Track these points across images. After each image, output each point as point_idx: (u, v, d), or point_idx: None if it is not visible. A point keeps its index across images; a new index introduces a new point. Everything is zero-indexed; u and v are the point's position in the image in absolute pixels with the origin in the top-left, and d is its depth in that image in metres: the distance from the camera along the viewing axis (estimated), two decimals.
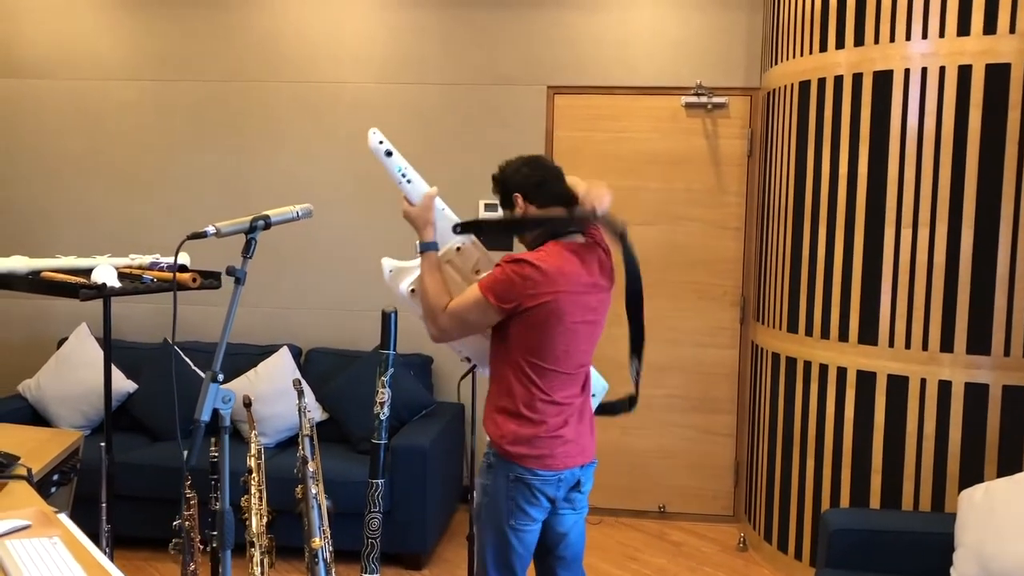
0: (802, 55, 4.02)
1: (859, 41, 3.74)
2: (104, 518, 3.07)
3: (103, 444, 3.13)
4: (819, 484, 3.95)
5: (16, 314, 5.10)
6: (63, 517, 2.31)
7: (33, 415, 4.48)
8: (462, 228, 2.63)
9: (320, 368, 4.69)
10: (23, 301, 5.01)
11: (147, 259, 3.48)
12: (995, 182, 3.48)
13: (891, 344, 3.69)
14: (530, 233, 2.65)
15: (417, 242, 2.58)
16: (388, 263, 2.64)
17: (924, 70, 3.58)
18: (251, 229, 2.02)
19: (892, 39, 3.64)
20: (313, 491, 3.62)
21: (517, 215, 2.61)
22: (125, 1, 4.97)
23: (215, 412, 1.95)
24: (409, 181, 2.60)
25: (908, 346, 3.65)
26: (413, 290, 2.64)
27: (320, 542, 3.51)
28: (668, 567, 4.22)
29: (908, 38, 3.61)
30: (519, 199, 2.60)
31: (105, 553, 3.18)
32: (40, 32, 5.02)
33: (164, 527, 3.53)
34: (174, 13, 4.94)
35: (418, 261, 2.60)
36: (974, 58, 3.48)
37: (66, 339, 4.75)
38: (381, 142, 2.52)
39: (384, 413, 3.64)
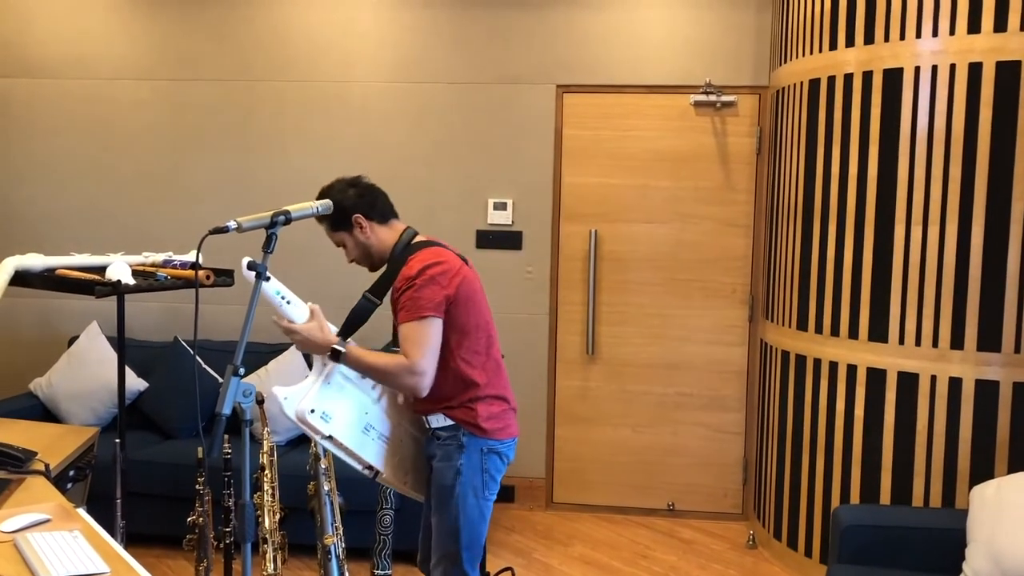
0: (811, 53, 4.03)
1: (869, 39, 3.75)
2: (118, 514, 3.09)
3: (117, 440, 3.14)
4: (829, 482, 3.96)
5: (27, 312, 5.12)
6: (82, 511, 2.33)
7: (44, 412, 4.50)
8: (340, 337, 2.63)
9: None
10: (34, 300, 5.03)
11: (160, 257, 3.51)
12: (1005, 180, 3.49)
13: (901, 341, 3.70)
14: (378, 254, 2.73)
15: (325, 357, 2.53)
16: (280, 391, 2.56)
17: (934, 68, 3.59)
18: (271, 224, 2.04)
19: (902, 37, 3.65)
20: (325, 488, 3.63)
21: (361, 238, 2.69)
22: (136, 2, 4.98)
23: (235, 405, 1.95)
24: (288, 302, 2.50)
25: (918, 343, 3.66)
26: (312, 410, 2.57)
27: (333, 539, 3.53)
28: (678, 565, 4.23)
29: (918, 36, 3.61)
30: (361, 219, 2.67)
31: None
32: (52, 32, 5.04)
33: (176, 524, 3.55)
34: (185, 13, 4.96)
35: (310, 379, 2.57)
36: (984, 56, 3.49)
37: (77, 337, 4.77)
38: (251, 267, 2.21)
39: None
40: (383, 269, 2.75)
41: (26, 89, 5.08)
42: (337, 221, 2.67)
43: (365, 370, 2.56)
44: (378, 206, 2.71)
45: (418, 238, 2.74)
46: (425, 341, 2.52)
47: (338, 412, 2.60)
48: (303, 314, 2.52)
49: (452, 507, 2.64)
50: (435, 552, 2.71)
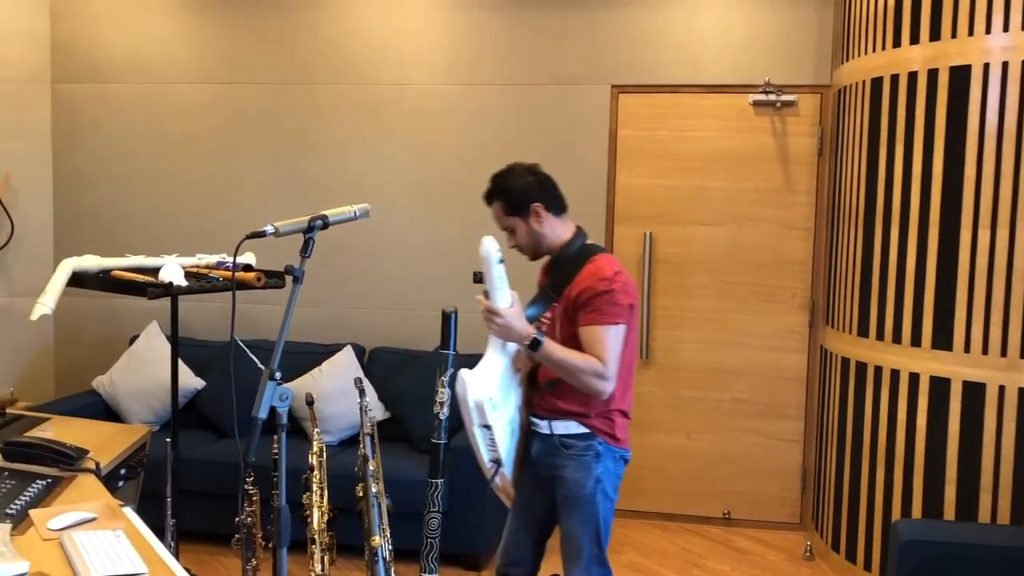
0: (874, 51, 3.90)
1: (935, 35, 3.62)
2: (169, 512, 3.13)
3: (168, 440, 3.19)
4: (889, 493, 3.82)
5: (90, 312, 5.25)
6: (128, 511, 2.36)
7: (106, 410, 4.60)
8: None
9: (383, 367, 4.72)
10: (97, 300, 5.15)
11: (214, 259, 3.56)
12: None
13: (967, 349, 3.55)
14: (546, 245, 2.72)
15: (525, 345, 2.55)
16: (467, 374, 2.62)
17: (1005, 64, 3.44)
18: (309, 228, 2.04)
19: (970, 32, 3.51)
20: (373, 489, 3.64)
21: (536, 227, 2.68)
22: (196, 8, 5.08)
23: (272, 409, 1.95)
24: (500, 288, 2.56)
25: (985, 351, 3.51)
26: (491, 398, 2.62)
27: (380, 540, 3.53)
28: (732, 574, 4.14)
29: (988, 31, 3.47)
30: (540, 208, 2.66)
31: (170, 547, 3.25)
32: (115, 38, 5.16)
33: (229, 522, 3.58)
34: (243, 18, 5.03)
35: (493, 367, 2.63)
36: None
37: (137, 336, 4.88)
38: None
39: (444, 413, 3.63)
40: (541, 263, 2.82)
41: (90, 94, 5.21)
42: (515, 206, 2.68)
43: (556, 363, 2.55)
44: (555, 198, 2.71)
45: (587, 241, 2.75)
46: (615, 347, 2.55)
47: (502, 402, 2.64)
48: (507, 301, 2.53)
49: (593, 514, 2.66)
50: (573, 558, 2.71)
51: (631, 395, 2.73)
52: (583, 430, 2.65)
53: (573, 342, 2.59)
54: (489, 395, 2.55)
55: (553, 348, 2.53)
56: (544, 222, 2.68)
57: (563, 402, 2.65)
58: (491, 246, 2.43)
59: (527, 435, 2.79)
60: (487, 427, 2.57)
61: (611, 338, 2.54)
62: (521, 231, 2.71)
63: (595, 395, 2.58)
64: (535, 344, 2.51)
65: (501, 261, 2.46)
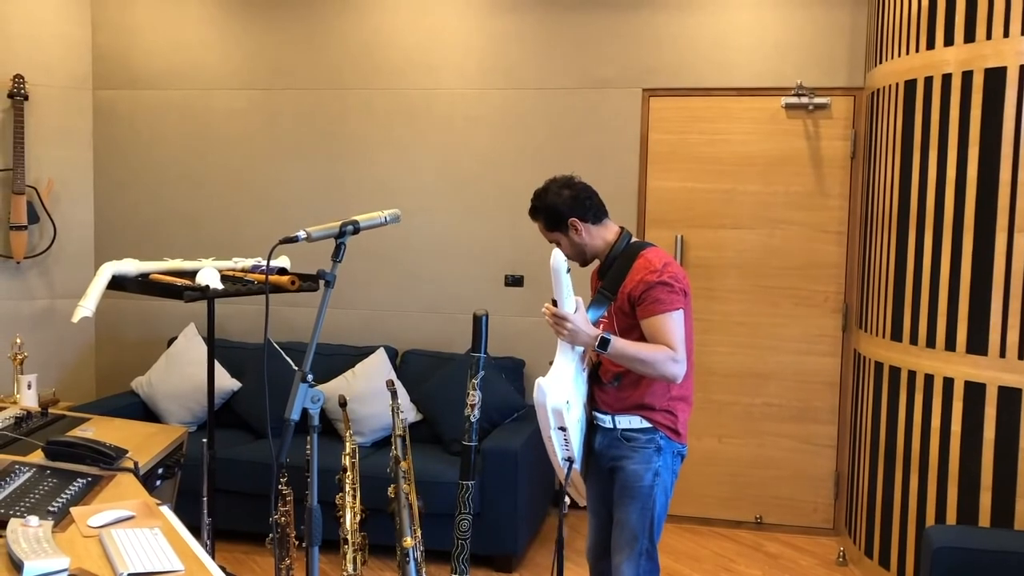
0: (908, 53, 3.87)
1: (970, 37, 3.58)
2: (205, 511, 3.20)
3: (204, 440, 3.26)
4: (923, 499, 3.79)
5: (130, 314, 5.36)
6: (165, 509, 2.42)
7: (145, 410, 4.69)
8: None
9: (415, 369, 4.76)
10: (136, 302, 5.26)
11: (249, 262, 3.62)
12: None
13: (1002, 354, 3.51)
14: (591, 252, 2.83)
15: (595, 347, 2.60)
16: (544, 382, 2.61)
17: None
18: (340, 234, 2.08)
19: (1006, 34, 3.47)
20: (405, 491, 3.68)
21: (576, 239, 2.79)
22: (232, 15, 5.16)
23: (304, 411, 1.99)
24: (566, 297, 2.61)
25: (1021, 356, 3.46)
26: (567, 401, 2.65)
27: (411, 541, 3.57)
28: None
29: (1023, 32, 3.43)
30: (578, 223, 2.78)
31: (205, 545, 3.31)
32: (153, 46, 5.26)
33: (264, 522, 3.66)
34: (278, 24, 5.11)
35: (566, 371, 2.66)
36: None
37: (176, 338, 4.97)
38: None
39: (475, 415, 3.67)
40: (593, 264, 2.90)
41: (129, 100, 5.32)
42: (553, 222, 2.81)
43: (629, 359, 2.62)
44: (591, 207, 2.80)
45: (632, 239, 2.84)
46: (679, 331, 2.64)
47: (574, 402, 2.70)
48: (572, 307, 2.61)
49: (648, 507, 2.73)
50: (624, 547, 2.76)
51: (692, 381, 2.81)
52: (646, 424, 2.73)
53: (629, 336, 2.66)
54: (565, 399, 2.62)
55: (622, 344, 2.60)
56: (583, 233, 2.79)
57: (626, 397, 2.73)
58: (560, 257, 2.56)
59: (589, 429, 2.86)
60: (563, 429, 2.63)
61: (674, 323, 2.63)
62: (564, 243, 2.82)
63: (670, 380, 2.66)
64: (604, 344, 2.57)
65: (568, 271, 2.58)
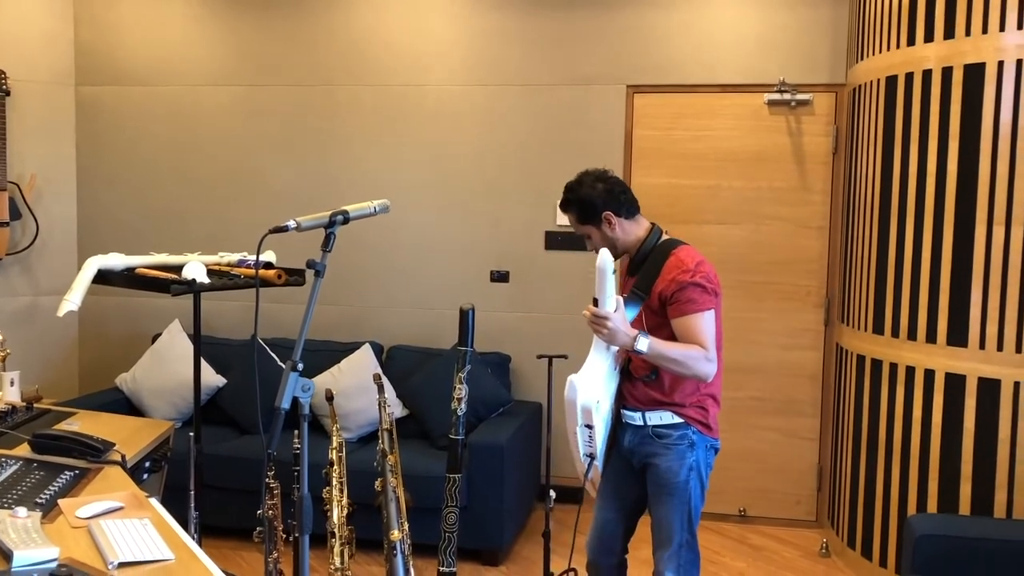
0: (889, 49, 3.92)
1: (949, 33, 3.63)
2: (192, 505, 3.19)
3: (192, 434, 3.25)
4: (905, 490, 3.83)
5: (113, 310, 5.34)
6: (154, 501, 2.42)
7: (129, 407, 4.68)
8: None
9: (401, 365, 4.77)
10: (120, 298, 5.24)
11: (235, 257, 3.61)
12: None
13: (982, 346, 3.56)
14: (622, 247, 2.81)
15: (635, 348, 2.58)
16: (577, 379, 2.62)
17: (1019, 62, 3.45)
18: (330, 223, 2.09)
19: (984, 30, 3.52)
20: (392, 484, 3.68)
21: (609, 233, 2.77)
22: (217, 11, 5.15)
23: (295, 400, 2.00)
24: (609, 296, 2.60)
25: (1000, 348, 3.52)
26: (598, 400, 2.67)
27: (399, 534, 3.58)
28: (748, 571, 4.16)
29: (1002, 29, 3.48)
30: (611, 216, 2.75)
31: (193, 539, 3.30)
32: (138, 41, 5.25)
33: (251, 517, 3.64)
34: (263, 21, 5.11)
35: (598, 369, 2.66)
36: None
37: (160, 335, 4.95)
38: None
39: (461, 409, 3.69)
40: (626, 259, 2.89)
41: (112, 96, 5.30)
42: (587, 216, 2.78)
43: (664, 359, 2.61)
44: (625, 202, 2.78)
45: (663, 236, 2.82)
46: (712, 331, 2.65)
47: (604, 401, 2.70)
48: (612, 306, 2.59)
49: (685, 501, 2.73)
50: (664, 544, 2.77)
51: (720, 379, 2.81)
52: (677, 420, 2.73)
53: (657, 335, 2.65)
54: (596, 398, 2.62)
55: (659, 344, 2.60)
56: (616, 227, 2.77)
57: (658, 393, 2.73)
58: (608, 257, 2.54)
59: (615, 426, 2.86)
60: (589, 427, 2.64)
61: (705, 323, 2.64)
62: (596, 237, 2.80)
63: (703, 379, 2.67)
64: (642, 343, 2.57)
65: (615, 272, 2.57)
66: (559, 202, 2.84)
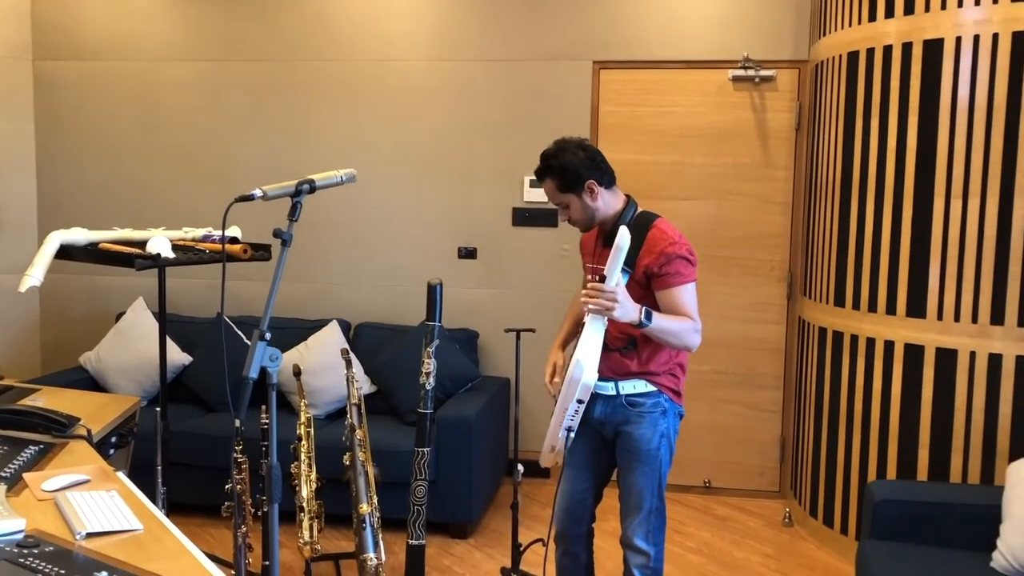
0: (851, 25, 3.97)
1: (909, 9, 3.68)
2: (159, 480, 3.18)
3: (159, 409, 3.24)
4: (865, 459, 3.92)
5: (76, 289, 5.27)
6: (121, 475, 2.41)
7: (94, 386, 4.63)
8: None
9: (369, 342, 4.77)
10: (82, 277, 5.18)
11: (200, 232, 3.58)
12: None
13: (940, 317, 3.64)
14: (601, 218, 2.79)
15: (641, 322, 2.57)
16: (583, 357, 2.62)
17: (976, 38, 3.51)
18: (296, 192, 2.08)
19: (943, 6, 3.58)
20: (360, 458, 3.70)
21: (590, 202, 2.74)
22: None
23: (262, 371, 2.00)
24: (616, 274, 2.58)
25: (957, 319, 3.60)
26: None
27: (367, 508, 3.59)
28: (712, 541, 4.23)
29: (960, 5, 3.53)
30: (595, 185, 2.72)
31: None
32: (99, 15, 5.16)
33: (217, 494, 3.63)
34: None
35: (594, 347, 2.65)
36: None
37: (124, 313, 4.90)
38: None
39: (430, 383, 3.71)
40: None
41: (72, 72, 5.21)
42: (569, 184, 2.73)
43: (664, 331, 2.63)
44: (606, 171, 2.76)
45: (638, 209, 2.83)
46: (695, 301, 2.70)
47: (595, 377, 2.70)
48: (614, 283, 2.57)
49: (656, 468, 2.78)
50: (634, 510, 2.80)
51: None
52: (651, 388, 2.77)
53: (643, 304, 2.63)
54: (595, 375, 2.64)
55: (660, 318, 2.62)
56: (598, 196, 2.75)
57: (635, 363, 2.75)
58: (627, 236, 2.50)
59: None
60: (581, 402, 2.66)
61: (691, 295, 2.68)
62: (575, 207, 2.77)
63: (690, 349, 2.72)
64: (648, 317, 2.58)
65: (620, 247, 2.54)
66: (536, 170, 2.79)
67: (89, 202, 5.24)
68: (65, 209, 5.25)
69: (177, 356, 4.66)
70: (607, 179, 2.76)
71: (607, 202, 2.77)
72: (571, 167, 2.70)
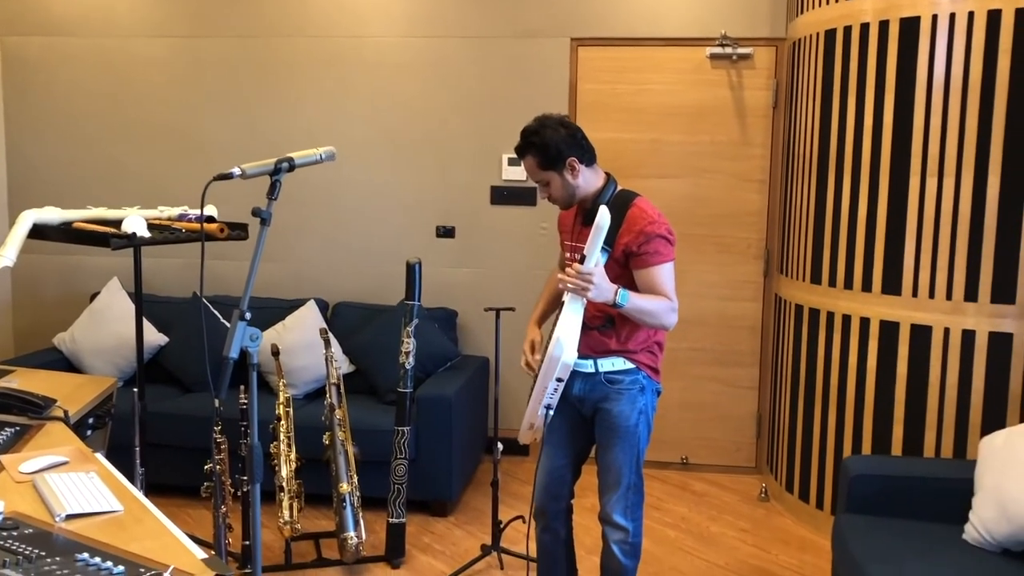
0: (828, 3, 3.98)
1: None
2: (138, 461, 3.16)
3: (136, 390, 3.21)
4: (841, 434, 3.97)
5: (49, 270, 5.21)
6: (99, 456, 2.39)
7: (68, 367, 4.58)
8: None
9: (347, 321, 4.75)
10: (55, 257, 5.11)
11: (176, 211, 3.55)
12: (1022, 130, 3.44)
13: (915, 294, 3.68)
14: (580, 195, 2.77)
15: (616, 302, 2.57)
16: (563, 335, 2.60)
17: (952, 16, 3.53)
18: (275, 171, 2.06)
19: None
20: (340, 438, 3.70)
21: (571, 180, 2.73)
22: None
23: (242, 351, 1.99)
24: (596, 254, 2.57)
25: (932, 296, 3.64)
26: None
27: (348, 487, 3.60)
28: (690, 516, 4.27)
29: None
30: (575, 163, 2.71)
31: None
32: None
33: (195, 475, 3.63)
34: None
35: (575, 326, 2.63)
36: (1003, 2, 3.42)
37: (98, 293, 4.85)
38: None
39: (409, 363, 3.71)
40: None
41: (40, 47, 5.12)
42: (550, 161, 2.71)
43: (641, 311, 2.63)
44: (587, 149, 2.75)
45: (618, 187, 2.82)
46: (673, 281, 2.71)
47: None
48: (593, 263, 2.56)
49: (635, 444, 2.80)
50: (612, 487, 2.82)
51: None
52: (629, 365, 2.78)
53: (620, 284, 2.64)
54: (575, 354, 2.64)
55: (636, 298, 2.62)
56: (579, 174, 2.73)
57: (613, 341, 2.76)
58: (607, 216, 2.49)
59: None
60: (560, 380, 2.66)
61: (669, 274, 2.70)
62: (556, 184, 2.75)
63: (666, 328, 2.74)
64: (624, 297, 2.58)
65: (600, 226, 2.52)
66: (516, 147, 2.77)
67: (60, 181, 5.16)
68: (35, 188, 5.17)
69: (153, 337, 4.63)
70: (588, 157, 2.75)
71: (587, 180, 2.76)
72: (552, 144, 2.68)
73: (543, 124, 2.72)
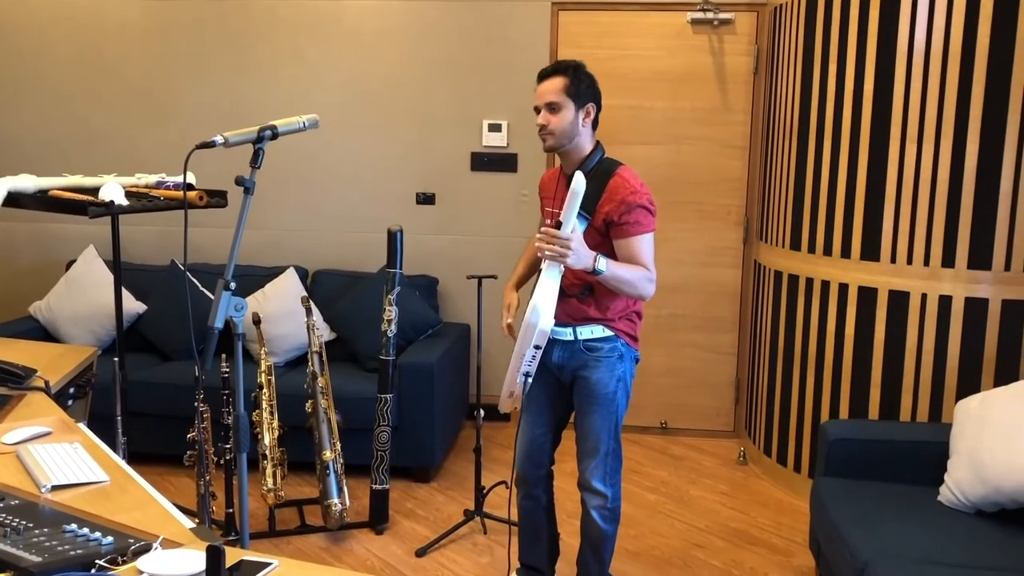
0: None
1: None
2: (120, 430, 3.15)
3: (116, 359, 3.19)
4: (819, 399, 4.02)
5: (23, 238, 5.13)
6: (82, 426, 2.38)
7: (45, 335, 4.54)
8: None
9: (327, 289, 4.74)
10: (30, 224, 5.04)
11: (153, 178, 3.50)
12: (1001, 98, 3.45)
13: (893, 260, 3.72)
14: (571, 143, 2.76)
15: (595, 269, 2.57)
16: (540, 303, 2.59)
17: None
18: (258, 139, 2.04)
19: None
20: (323, 405, 3.70)
21: (579, 123, 2.72)
22: None
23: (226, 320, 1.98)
24: (572, 220, 2.54)
25: (910, 261, 3.68)
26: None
27: (331, 454, 3.61)
28: (669, 479, 4.33)
29: None
30: (592, 109, 2.75)
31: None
32: None
33: (176, 443, 3.62)
34: None
35: (552, 294, 2.62)
36: None
37: (74, 261, 4.80)
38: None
39: (392, 330, 3.71)
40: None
41: (7, 9, 5.00)
42: (578, 92, 2.70)
43: (618, 280, 2.63)
44: (599, 110, 2.78)
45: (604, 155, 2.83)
46: (652, 251, 2.71)
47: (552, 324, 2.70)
48: (570, 229, 2.54)
49: (613, 411, 2.82)
50: (591, 453, 2.84)
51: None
52: (608, 333, 2.79)
53: (601, 252, 2.64)
54: (552, 321, 2.64)
55: (614, 266, 2.63)
56: (587, 124, 2.75)
57: (592, 309, 2.77)
58: (583, 182, 2.47)
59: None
60: (538, 347, 2.66)
61: (648, 245, 2.70)
62: (566, 116, 2.71)
63: (644, 298, 2.75)
64: (600, 267, 2.58)
65: (577, 192, 2.49)
66: (548, 67, 2.75)
67: (34, 148, 5.08)
68: (8, 155, 5.08)
69: (131, 305, 4.59)
70: (596, 118, 2.78)
71: (584, 137, 2.76)
72: (587, 80, 2.73)
73: (581, 63, 2.76)
